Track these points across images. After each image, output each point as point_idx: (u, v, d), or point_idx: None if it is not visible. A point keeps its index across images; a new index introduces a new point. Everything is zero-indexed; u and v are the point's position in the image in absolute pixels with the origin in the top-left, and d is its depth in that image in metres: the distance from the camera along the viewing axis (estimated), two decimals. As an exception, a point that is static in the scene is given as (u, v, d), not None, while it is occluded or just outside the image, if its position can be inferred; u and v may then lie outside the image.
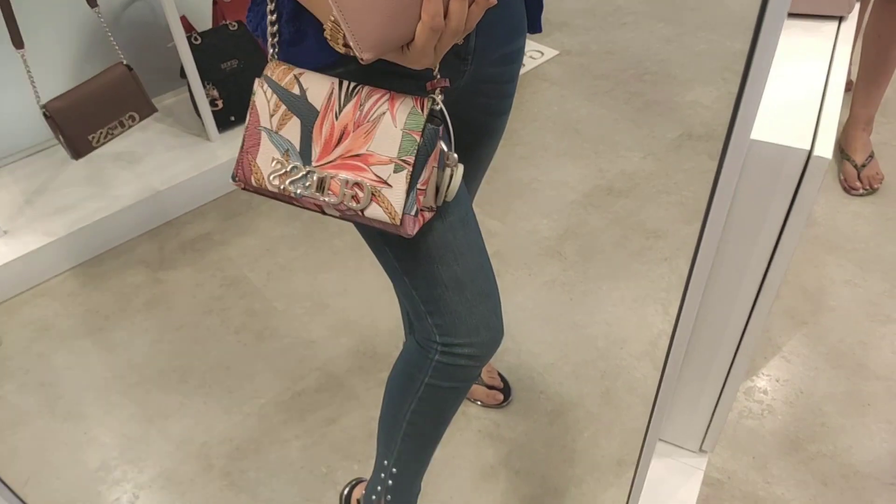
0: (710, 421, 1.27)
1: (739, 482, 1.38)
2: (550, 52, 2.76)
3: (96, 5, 1.75)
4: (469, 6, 0.65)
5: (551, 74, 2.66)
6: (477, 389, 1.52)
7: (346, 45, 0.67)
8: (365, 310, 1.76)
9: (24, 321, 1.75)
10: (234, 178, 0.81)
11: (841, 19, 0.99)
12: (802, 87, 0.90)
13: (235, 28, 2.15)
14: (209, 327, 1.72)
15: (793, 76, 0.92)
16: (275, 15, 0.78)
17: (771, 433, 1.47)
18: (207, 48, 2.10)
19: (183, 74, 2.07)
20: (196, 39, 2.07)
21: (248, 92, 0.80)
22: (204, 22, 2.31)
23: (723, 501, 1.35)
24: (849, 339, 1.66)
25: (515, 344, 1.65)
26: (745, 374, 1.58)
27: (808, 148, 0.82)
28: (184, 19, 2.16)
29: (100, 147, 1.78)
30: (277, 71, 0.78)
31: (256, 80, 0.79)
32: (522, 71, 2.53)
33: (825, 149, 0.82)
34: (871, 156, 2.09)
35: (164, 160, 2.15)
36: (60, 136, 1.72)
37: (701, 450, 1.32)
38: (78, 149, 1.74)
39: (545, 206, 2.09)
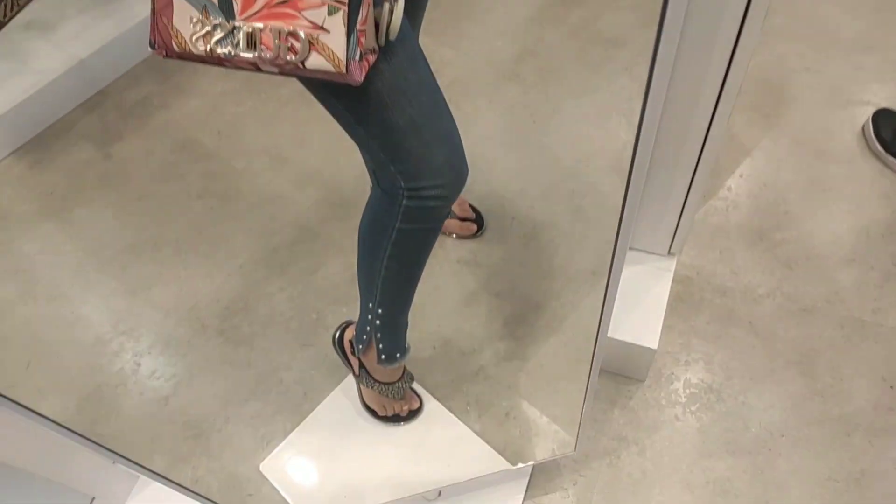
0: (678, 225, 1.30)
1: (708, 276, 1.45)
2: None
3: None
4: None
5: None
6: (450, 223, 1.53)
7: None
8: (326, 159, 1.71)
9: (-25, 213, 1.68)
10: (152, 45, 0.73)
11: None
12: None
13: None
14: (171, 195, 1.67)
15: None
16: None
17: (736, 227, 1.52)
18: None
19: (81, -80, 1.84)
20: None
21: None
22: None
23: (693, 296, 1.43)
24: (810, 128, 1.68)
25: (483, 174, 1.64)
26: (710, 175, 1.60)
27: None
28: None
29: (9, 21, 1.61)
30: None
31: None
32: None
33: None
34: None
35: (81, 24, 1.98)
36: (-40, 11, 1.55)
37: (670, 253, 1.37)
38: (-16, 23, 1.58)
39: (498, 26, 1.99)
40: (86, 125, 1.86)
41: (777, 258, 1.46)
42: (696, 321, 1.39)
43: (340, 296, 1.45)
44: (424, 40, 1.05)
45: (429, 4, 1.06)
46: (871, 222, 1.50)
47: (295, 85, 0.83)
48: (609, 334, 1.27)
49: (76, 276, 1.55)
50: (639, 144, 0.65)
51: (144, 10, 1.97)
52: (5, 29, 1.88)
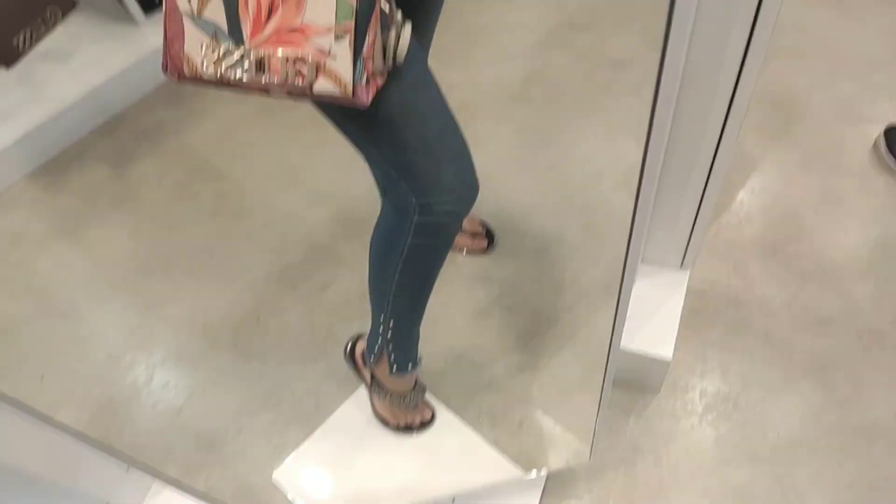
0: (690, 238, 1.30)
1: (722, 289, 1.44)
2: None
3: None
4: None
5: None
6: (462, 239, 1.53)
7: None
8: (336, 178, 1.73)
9: (-9, 234, 1.70)
10: (164, 69, 0.75)
11: None
12: None
13: None
14: (183, 214, 1.69)
15: None
16: None
17: (750, 241, 1.51)
18: (120, -82, 1.91)
19: (99, -47, 1.90)
20: None
21: None
22: None
23: (708, 309, 1.41)
24: (821, 143, 1.68)
25: (493, 192, 1.65)
26: (721, 190, 1.60)
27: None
28: None
29: (28, 51, 1.65)
30: None
31: None
32: None
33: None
34: None
35: (96, 53, 2.02)
36: (-17, 44, 1.59)
37: (683, 266, 1.36)
38: (5, 56, 1.62)
39: (506, 51, 2.02)
40: (100, 149, 1.89)
41: (791, 271, 1.45)
42: (711, 333, 1.37)
43: (351, 312, 1.45)
44: (433, 65, 1.06)
45: (437, 29, 1.08)
46: (886, 236, 1.49)
47: (307, 108, 0.84)
48: (623, 345, 1.26)
49: (90, 293, 1.55)
50: (647, 158, 0.66)
51: (158, 40, 2.01)
52: (24, 58, 1.93)
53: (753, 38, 0.90)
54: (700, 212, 1.25)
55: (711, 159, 1.14)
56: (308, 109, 0.83)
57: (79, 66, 1.99)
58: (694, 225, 1.28)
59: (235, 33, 0.71)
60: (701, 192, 1.21)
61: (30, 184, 1.81)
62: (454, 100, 0.87)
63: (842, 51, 1.89)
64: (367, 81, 0.72)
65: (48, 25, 1.68)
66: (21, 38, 1.63)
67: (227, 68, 0.72)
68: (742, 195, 1.60)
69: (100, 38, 2.07)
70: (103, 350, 1.44)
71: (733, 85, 0.98)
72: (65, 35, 2.08)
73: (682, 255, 1.36)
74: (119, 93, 1.99)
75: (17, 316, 1.52)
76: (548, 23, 2.07)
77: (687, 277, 1.36)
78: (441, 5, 1.03)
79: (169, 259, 1.59)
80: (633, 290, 1.35)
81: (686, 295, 1.33)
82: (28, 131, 1.83)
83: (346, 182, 1.71)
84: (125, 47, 2.03)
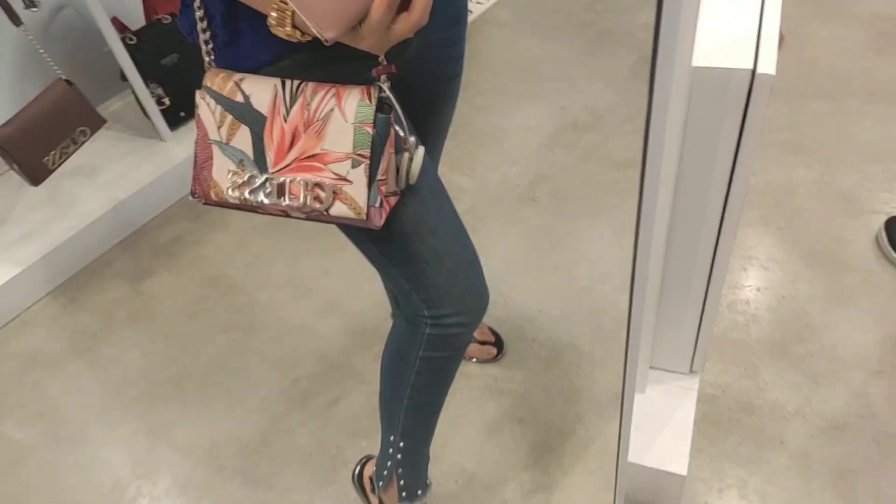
0: (697, 341, 1.30)
1: (734, 394, 1.42)
2: (494, -5, 2.71)
3: (21, 23, 1.68)
4: None
5: (500, 18, 2.62)
6: (471, 347, 1.54)
7: (294, 27, 0.65)
8: (348, 288, 1.76)
9: (12, 353, 1.74)
10: (192, 195, 0.80)
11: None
12: (738, 11, 0.90)
13: (169, 21, 2.09)
14: (196, 330, 1.72)
15: (727, 2, 0.92)
16: (205, 21, 0.75)
17: (758, 342, 1.50)
18: (144, 46, 2.04)
19: (124, 77, 2.01)
20: (131, 39, 2.01)
21: (195, 85, 0.78)
22: (136, 20, 2.24)
23: (720, 415, 1.39)
24: (824, 238, 1.69)
25: (502, 296, 1.67)
26: (725, 290, 1.61)
27: (752, 67, 0.82)
28: (115, 20, 2.09)
29: (57, 168, 1.74)
30: (217, 80, 0.76)
31: (197, 93, 0.77)
32: (471, 18, 2.47)
33: (768, 65, 0.82)
34: None
35: (122, 168, 2.11)
36: (14, 165, 1.67)
37: (692, 370, 1.36)
38: (35, 175, 1.70)
39: (512, 153, 2.08)
40: (120, 264, 1.95)
41: (803, 372, 1.43)
42: (726, 444, 1.35)
43: (361, 429, 1.45)
44: (441, 169, 1.11)
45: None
46: (895, 332, 1.47)
47: (320, 218, 0.87)
48: (635, 460, 1.24)
49: (100, 417, 1.57)
50: (637, 262, 0.67)
51: (181, 154, 2.12)
52: (53, 175, 2.02)
53: (743, 140, 0.92)
54: (705, 314, 1.25)
55: (711, 259, 1.15)
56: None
57: (104, 182, 2.07)
58: (700, 328, 1.28)
59: (260, 161, 0.76)
60: (704, 294, 1.22)
61: (50, 301, 1.87)
62: (462, 204, 0.90)
63: (838, 144, 1.93)
64: (381, 203, 0.75)
65: (77, 144, 1.77)
66: (51, 157, 1.72)
67: (249, 193, 0.76)
68: (748, 294, 1.60)
69: (126, 154, 2.16)
70: (109, 479, 1.45)
71: (727, 184, 1.00)
72: (92, 151, 2.18)
73: (690, 360, 1.35)
74: (142, 207, 2.07)
75: (26, 444, 1.53)
76: (552, 124, 2.14)
77: (697, 382, 1.35)
78: (450, 119, 1.07)
79: (180, 379, 1.61)
80: (642, 399, 1.34)
81: (698, 401, 1.32)
82: (53, 248, 1.90)
83: (358, 291, 1.74)
84: (150, 162, 2.12)
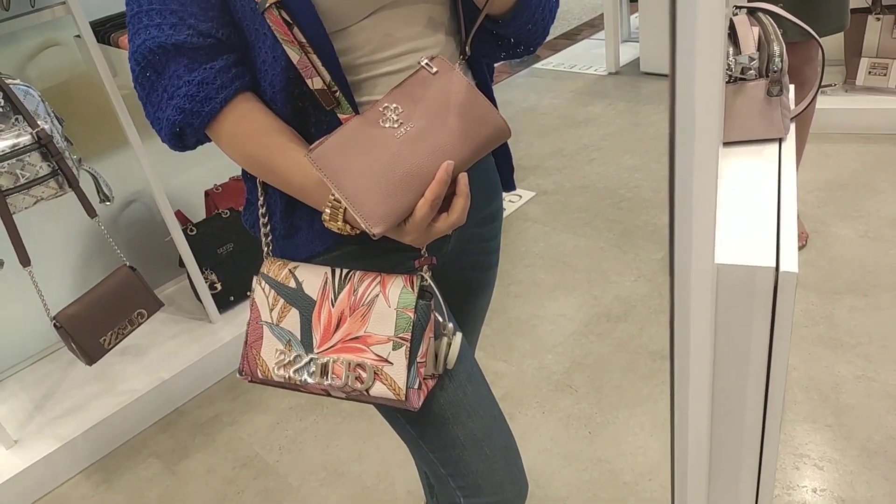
0: (753, 546, 1.22)
1: None
2: (528, 194, 2.91)
3: (96, 215, 1.84)
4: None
5: (532, 214, 2.79)
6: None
7: (345, 221, 0.73)
8: (381, 473, 1.72)
9: (36, 535, 1.71)
10: (240, 372, 0.84)
11: (780, 140, 1.08)
12: (757, 208, 0.96)
13: (228, 215, 2.27)
14: (225, 515, 1.68)
15: (745, 199, 0.99)
16: (266, 217, 0.85)
17: (819, 549, 1.40)
18: (203, 237, 2.20)
19: (182, 264, 2.16)
20: (191, 231, 2.18)
21: (246, 271, 0.86)
22: (198, 212, 2.44)
23: None
24: (877, 437, 1.63)
25: (540, 489, 1.61)
26: (778, 490, 1.53)
27: (774, 264, 0.86)
28: (179, 214, 2.29)
29: (112, 349, 1.82)
30: (273, 267, 0.84)
31: (255, 278, 0.84)
32: (505, 214, 2.64)
33: (790, 263, 0.86)
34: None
35: (170, 348, 2.19)
36: (72, 345, 1.76)
37: (749, 579, 1.25)
38: (91, 354, 1.77)
39: (548, 341, 2.11)
40: (156, 442, 1.96)
41: (872, 587, 1.31)
42: None
43: None
44: (477, 354, 1.13)
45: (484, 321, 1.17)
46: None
47: (356, 401, 0.89)
48: None
49: None
50: (675, 461, 0.67)
51: (227, 335, 2.20)
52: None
53: (775, 336, 0.93)
54: (758, 517, 1.18)
55: (759, 456, 1.11)
56: (358, 400, 0.87)
57: (151, 361, 2.14)
58: (754, 532, 1.20)
59: (307, 341, 0.80)
60: (755, 494, 1.16)
61: (84, 479, 1.86)
62: (498, 390, 0.91)
63: (876, 339, 1.91)
64: (420, 385, 0.78)
65: (134, 325, 1.86)
66: (108, 337, 1.80)
67: (294, 372, 0.80)
68: (804, 496, 1.51)
69: (175, 335, 2.25)
70: None
71: (765, 378, 0.99)
72: (143, 331, 2.27)
73: (746, 568, 1.26)
74: (185, 386, 2.11)
75: None
76: (586, 314, 2.19)
77: None
78: (486, 307, 1.12)
79: (206, 565, 1.55)
80: None
81: None
82: (93, 425, 1.92)
83: (390, 477, 1.70)
84: (197, 342, 2.20)
